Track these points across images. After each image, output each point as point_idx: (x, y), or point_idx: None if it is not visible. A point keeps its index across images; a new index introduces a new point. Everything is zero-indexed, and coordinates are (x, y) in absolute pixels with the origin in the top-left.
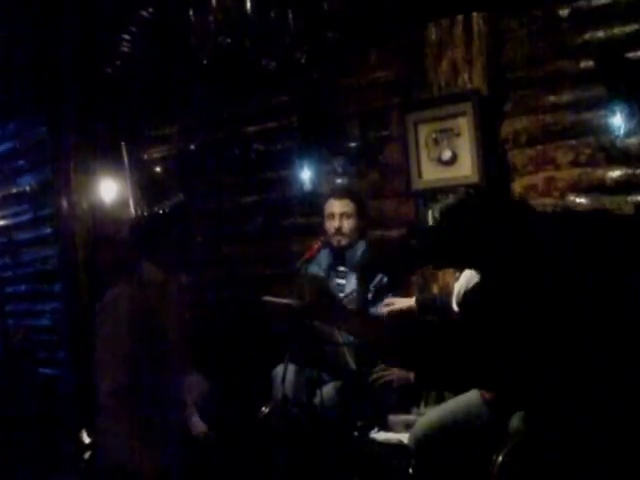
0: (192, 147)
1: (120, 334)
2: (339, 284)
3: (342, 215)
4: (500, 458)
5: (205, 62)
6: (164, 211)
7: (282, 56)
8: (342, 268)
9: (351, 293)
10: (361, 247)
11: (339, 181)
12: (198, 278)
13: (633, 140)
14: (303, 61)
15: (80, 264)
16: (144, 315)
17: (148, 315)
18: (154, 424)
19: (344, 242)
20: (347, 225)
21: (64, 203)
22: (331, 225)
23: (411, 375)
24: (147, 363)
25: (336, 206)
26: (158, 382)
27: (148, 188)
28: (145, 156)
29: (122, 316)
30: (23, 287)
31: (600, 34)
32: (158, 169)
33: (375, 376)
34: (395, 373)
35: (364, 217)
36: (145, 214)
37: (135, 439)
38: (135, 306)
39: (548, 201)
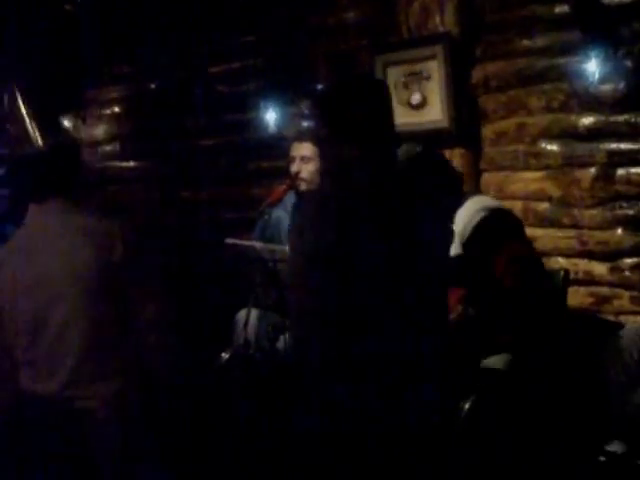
0: (152, 87)
1: None
2: None
3: (302, 159)
4: (467, 405)
5: None
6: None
7: None
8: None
9: None
10: None
11: (305, 124)
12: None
13: (607, 86)
14: None
15: None
16: None
17: None
18: None
19: (303, 187)
20: (306, 169)
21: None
22: (292, 169)
23: None
24: None
25: (296, 149)
26: None
27: None
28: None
29: None
30: None
31: None
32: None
33: None
34: None
35: None
36: None
37: None
38: None
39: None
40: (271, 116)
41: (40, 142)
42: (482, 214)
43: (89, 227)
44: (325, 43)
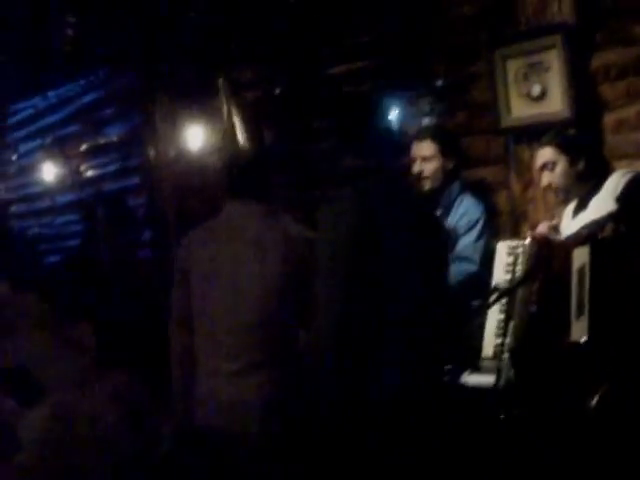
0: (277, 91)
1: None
2: None
3: (423, 159)
4: (596, 400)
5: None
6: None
7: None
8: (438, 211)
9: None
10: (455, 189)
11: (426, 121)
12: None
13: None
14: None
15: (168, 213)
16: None
17: None
18: None
19: (427, 186)
20: (428, 168)
21: (152, 152)
22: (414, 169)
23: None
24: None
25: (417, 149)
26: None
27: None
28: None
29: None
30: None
31: None
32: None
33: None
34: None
35: (452, 157)
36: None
37: None
38: None
39: None
40: (392, 115)
41: (249, 147)
42: (628, 175)
43: (282, 228)
44: (443, 38)
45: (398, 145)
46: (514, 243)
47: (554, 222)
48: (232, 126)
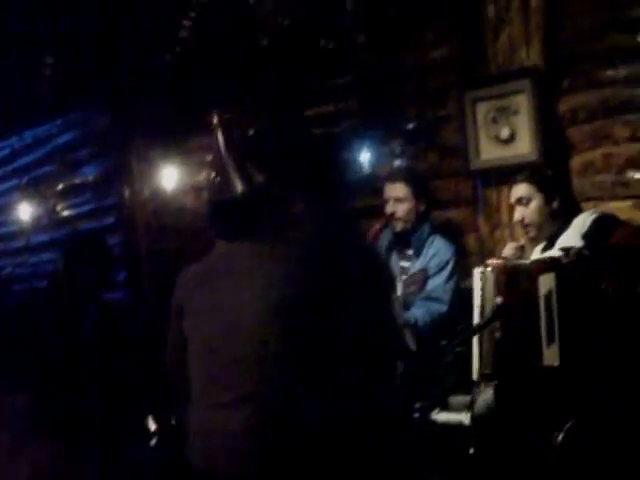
0: (250, 133)
1: None
2: (402, 267)
3: (395, 200)
4: (562, 435)
5: (265, 44)
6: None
7: (341, 36)
8: (409, 252)
9: (414, 275)
10: (426, 230)
11: (397, 163)
12: None
13: None
14: (362, 40)
15: (143, 253)
16: None
17: None
18: None
19: (399, 227)
20: (401, 209)
21: (126, 192)
22: (387, 210)
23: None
24: None
25: (389, 190)
26: None
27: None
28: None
29: None
30: None
31: None
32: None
33: None
34: None
35: (424, 199)
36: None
37: None
38: None
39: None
40: (364, 156)
41: (240, 187)
42: (595, 214)
43: (274, 265)
44: (414, 81)
45: (352, 190)
46: (482, 269)
47: (521, 242)
48: (223, 163)
